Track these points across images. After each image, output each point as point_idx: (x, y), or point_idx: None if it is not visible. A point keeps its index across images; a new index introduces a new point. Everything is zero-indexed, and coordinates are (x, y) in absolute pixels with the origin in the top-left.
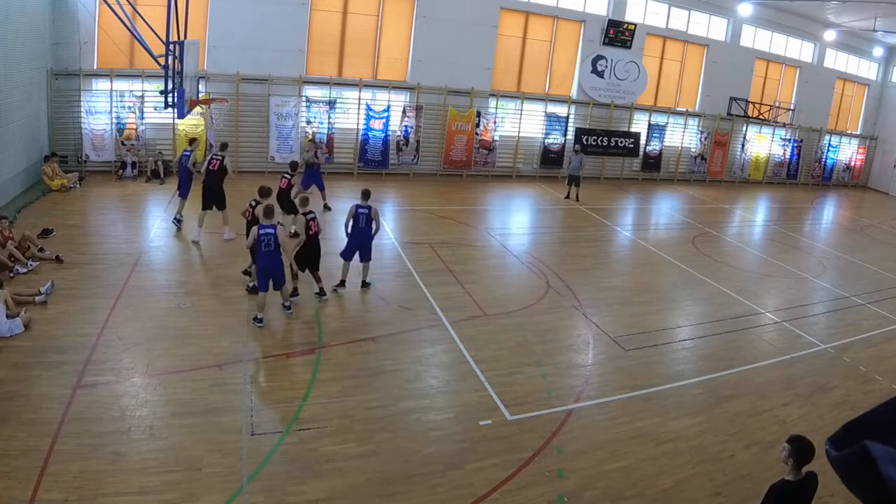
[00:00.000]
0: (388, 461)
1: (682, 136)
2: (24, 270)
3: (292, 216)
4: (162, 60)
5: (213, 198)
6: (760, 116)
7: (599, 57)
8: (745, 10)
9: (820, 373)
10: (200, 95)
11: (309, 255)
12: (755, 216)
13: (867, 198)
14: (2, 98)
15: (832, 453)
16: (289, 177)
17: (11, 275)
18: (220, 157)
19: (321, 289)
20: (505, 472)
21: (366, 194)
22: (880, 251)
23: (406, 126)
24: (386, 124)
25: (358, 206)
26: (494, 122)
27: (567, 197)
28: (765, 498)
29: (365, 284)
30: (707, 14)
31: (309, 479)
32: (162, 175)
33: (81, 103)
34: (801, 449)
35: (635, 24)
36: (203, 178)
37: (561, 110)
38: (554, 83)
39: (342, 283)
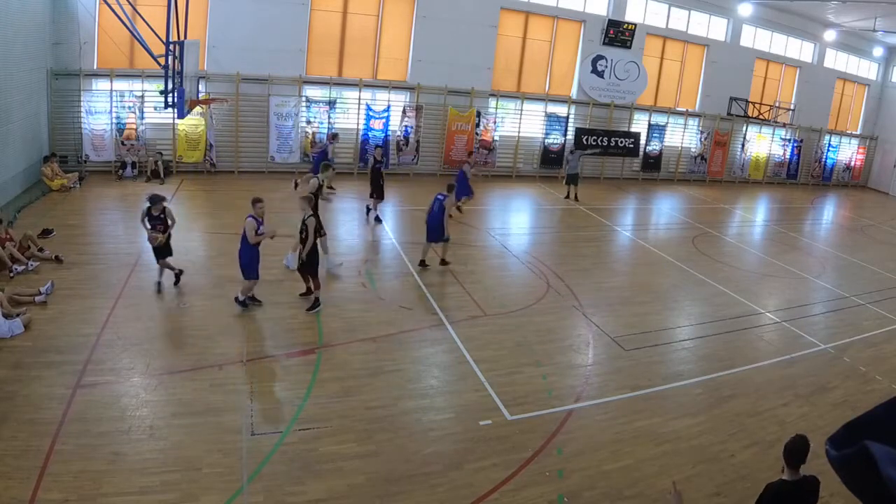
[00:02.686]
0: (388, 461)
1: (682, 136)
2: (23, 269)
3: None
4: (162, 60)
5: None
6: (760, 116)
7: (599, 57)
8: (745, 10)
9: (820, 373)
10: (200, 95)
11: (315, 259)
12: (755, 216)
13: (867, 198)
14: (2, 98)
15: (832, 453)
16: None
17: (11, 275)
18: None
19: (317, 298)
20: (505, 472)
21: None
22: (880, 251)
23: (406, 126)
24: (386, 124)
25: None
26: (494, 122)
27: (567, 197)
28: (760, 496)
29: (422, 264)
30: (707, 14)
31: (309, 479)
32: (162, 175)
33: (81, 103)
34: (791, 450)
35: (635, 24)
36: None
37: (561, 110)
38: (554, 83)
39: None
